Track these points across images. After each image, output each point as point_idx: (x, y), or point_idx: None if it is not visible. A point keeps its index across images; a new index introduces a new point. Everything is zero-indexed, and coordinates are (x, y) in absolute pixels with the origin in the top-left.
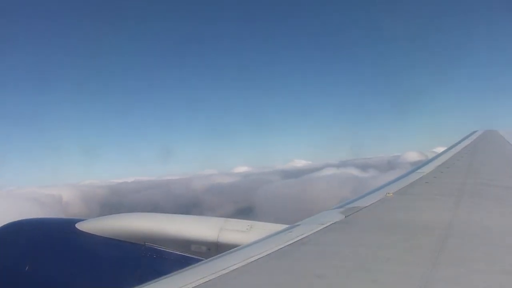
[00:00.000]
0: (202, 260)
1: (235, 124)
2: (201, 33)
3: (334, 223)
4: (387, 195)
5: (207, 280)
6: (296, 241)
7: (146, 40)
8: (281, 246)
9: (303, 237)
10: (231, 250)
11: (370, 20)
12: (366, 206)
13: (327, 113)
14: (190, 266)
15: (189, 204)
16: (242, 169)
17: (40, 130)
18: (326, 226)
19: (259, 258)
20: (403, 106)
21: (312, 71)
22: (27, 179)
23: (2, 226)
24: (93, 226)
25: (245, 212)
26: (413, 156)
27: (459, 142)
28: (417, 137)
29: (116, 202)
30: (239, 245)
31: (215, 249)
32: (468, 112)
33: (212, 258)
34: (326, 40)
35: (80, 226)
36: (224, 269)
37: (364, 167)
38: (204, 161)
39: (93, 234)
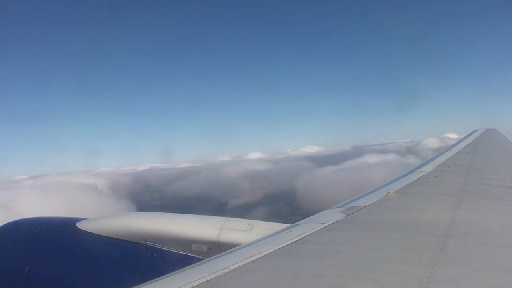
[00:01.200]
0: (202, 259)
1: (238, 113)
2: (212, 18)
3: (335, 222)
4: (388, 194)
5: (208, 279)
6: (297, 240)
7: (156, 26)
8: (282, 245)
9: (304, 236)
10: (231, 249)
11: (384, 10)
12: (367, 206)
13: (330, 101)
14: (190, 265)
15: (238, 192)
16: (256, 155)
17: (37, 121)
18: (327, 225)
19: (259, 257)
20: (406, 96)
21: (318, 60)
22: (29, 169)
23: (1, 226)
24: (93, 225)
25: (302, 201)
26: (433, 142)
27: (460, 141)
28: (419, 125)
29: (163, 190)
30: (239, 244)
31: (216, 248)
32: (469, 106)
33: (213, 257)
34: (332, 28)
35: (80, 225)
36: (224, 268)
37: (394, 152)
38: (211, 148)
39: (94, 234)
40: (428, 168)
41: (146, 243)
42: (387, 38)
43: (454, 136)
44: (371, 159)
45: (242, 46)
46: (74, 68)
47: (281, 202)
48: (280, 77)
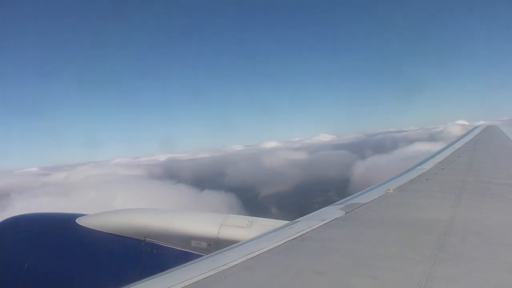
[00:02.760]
0: (202, 255)
1: (241, 103)
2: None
3: (334, 219)
4: (388, 191)
5: (207, 275)
6: (296, 237)
7: (168, 12)
8: (281, 242)
9: (303, 233)
10: (231, 246)
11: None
12: (367, 203)
13: (332, 91)
14: (190, 262)
15: (296, 182)
16: (271, 144)
17: (37, 114)
18: (326, 222)
19: (259, 254)
20: (405, 85)
21: (321, 51)
22: (35, 162)
23: (0, 222)
24: (93, 221)
25: None
26: (456, 129)
27: (460, 138)
28: (420, 113)
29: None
30: (239, 241)
31: (216, 244)
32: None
33: (213, 253)
34: (343, 16)
35: (80, 221)
36: (224, 264)
37: (424, 140)
38: (215, 138)
39: (93, 230)
40: (428, 165)
41: (145, 239)
42: (391, 28)
43: (464, 123)
44: (424, 147)
45: (246, 37)
46: (77, 61)
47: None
48: (282, 67)
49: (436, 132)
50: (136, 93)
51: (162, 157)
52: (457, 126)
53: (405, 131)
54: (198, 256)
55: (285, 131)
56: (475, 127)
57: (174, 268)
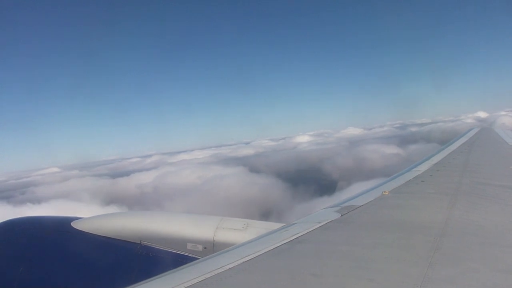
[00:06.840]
0: (198, 258)
1: (254, 98)
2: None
3: (330, 221)
4: (383, 193)
5: (203, 278)
6: (292, 239)
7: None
8: (277, 245)
9: (299, 236)
10: (227, 248)
11: None
12: (362, 205)
13: (341, 84)
14: (186, 265)
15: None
16: (304, 138)
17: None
18: (322, 225)
19: (255, 257)
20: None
21: (343, 39)
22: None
23: None
24: (89, 224)
25: None
26: (506, 120)
27: (455, 140)
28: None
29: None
30: (235, 244)
31: (211, 247)
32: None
33: (208, 256)
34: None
35: (75, 224)
36: (220, 267)
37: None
38: (230, 134)
39: (89, 233)
40: (423, 167)
41: (141, 243)
42: (401, 24)
43: (484, 114)
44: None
45: (249, 35)
46: (74, 63)
47: None
48: (291, 63)
49: (486, 123)
50: (146, 92)
51: (202, 154)
52: (506, 117)
53: (428, 123)
54: (194, 259)
55: (295, 125)
56: (470, 129)
57: (170, 271)
